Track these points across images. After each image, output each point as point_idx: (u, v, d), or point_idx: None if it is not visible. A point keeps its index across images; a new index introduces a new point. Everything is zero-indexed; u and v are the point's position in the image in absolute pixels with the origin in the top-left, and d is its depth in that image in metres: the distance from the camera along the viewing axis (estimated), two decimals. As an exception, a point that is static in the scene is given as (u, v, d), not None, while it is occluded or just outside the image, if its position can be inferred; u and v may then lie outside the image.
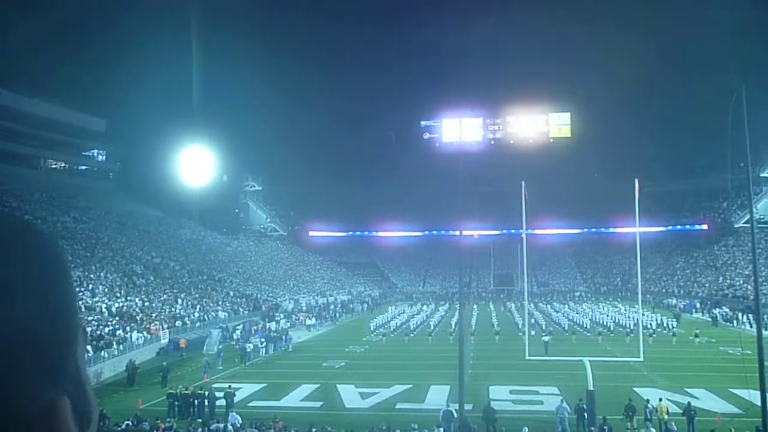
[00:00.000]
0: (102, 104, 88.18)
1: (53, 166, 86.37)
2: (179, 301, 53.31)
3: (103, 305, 43.72)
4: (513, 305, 71.89)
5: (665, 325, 51.16)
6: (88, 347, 33.52)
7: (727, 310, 58.14)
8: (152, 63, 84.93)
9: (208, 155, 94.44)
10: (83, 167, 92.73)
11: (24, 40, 73.31)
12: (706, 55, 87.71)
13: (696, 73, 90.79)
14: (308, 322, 58.63)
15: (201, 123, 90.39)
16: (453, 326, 48.50)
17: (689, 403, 23.10)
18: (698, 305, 67.18)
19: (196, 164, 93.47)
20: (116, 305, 44.89)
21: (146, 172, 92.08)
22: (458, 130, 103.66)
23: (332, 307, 72.58)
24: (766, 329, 33.20)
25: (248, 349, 40.34)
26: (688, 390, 28.07)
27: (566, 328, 51.64)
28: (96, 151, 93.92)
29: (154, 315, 46.35)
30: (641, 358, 25.82)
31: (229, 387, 27.49)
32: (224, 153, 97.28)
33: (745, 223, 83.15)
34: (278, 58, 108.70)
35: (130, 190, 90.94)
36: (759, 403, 20.86)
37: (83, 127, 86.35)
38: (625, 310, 61.13)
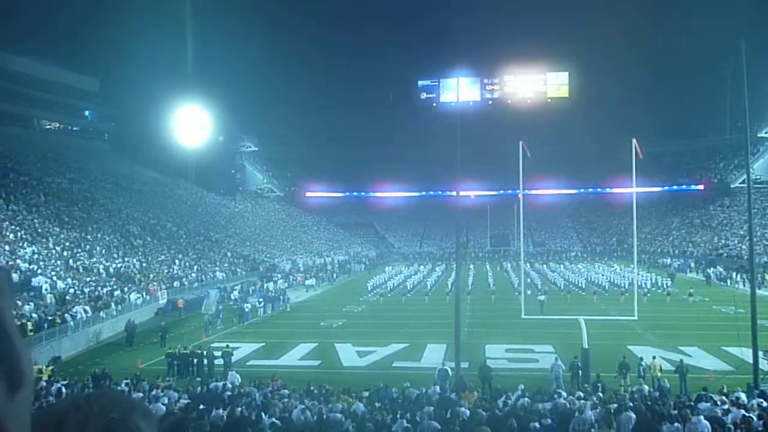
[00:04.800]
0: (95, 63, 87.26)
1: (47, 127, 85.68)
2: (177, 261, 53.47)
3: (101, 266, 43.81)
4: (509, 265, 72.29)
5: (660, 284, 51.64)
6: (87, 307, 33.74)
7: (721, 269, 58.51)
8: (146, 21, 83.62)
9: (203, 115, 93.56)
10: (77, 128, 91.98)
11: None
12: (705, 13, 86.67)
13: (695, 31, 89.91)
14: (308, 282, 58.87)
15: (196, 82, 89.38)
16: (450, 286, 48.80)
17: (681, 360, 23.38)
18: (693, 265, 67.63)
19: (191, 124, 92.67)
20: (114, 266, 45.01)
21: (141, 132, 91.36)
22: (455, 90, 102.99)
23: (329, 267, 72.88)
24: (759, 288, 33.53)
25: (246, 309, 40.62)
26: (682, 348, 28.36)
27: (562, 287, 52.05)
28: (90, 111, 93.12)
29: (152, 276, 46.54)
30: (635, 317, 26.07)
31: (227, 346, 27.72)
32: (220, 113, 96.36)
33: (741, 183, 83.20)
34: (274, 18, 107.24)
35: (126, 151, 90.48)
36: (751, 361, 21.20)
37: (77, 87, 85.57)
38: (620, 269, 61.48)
